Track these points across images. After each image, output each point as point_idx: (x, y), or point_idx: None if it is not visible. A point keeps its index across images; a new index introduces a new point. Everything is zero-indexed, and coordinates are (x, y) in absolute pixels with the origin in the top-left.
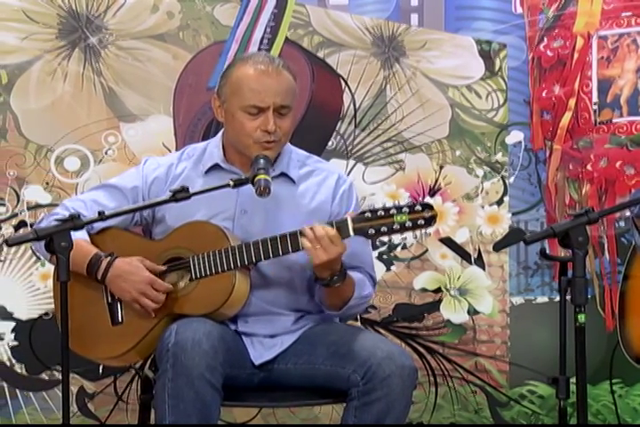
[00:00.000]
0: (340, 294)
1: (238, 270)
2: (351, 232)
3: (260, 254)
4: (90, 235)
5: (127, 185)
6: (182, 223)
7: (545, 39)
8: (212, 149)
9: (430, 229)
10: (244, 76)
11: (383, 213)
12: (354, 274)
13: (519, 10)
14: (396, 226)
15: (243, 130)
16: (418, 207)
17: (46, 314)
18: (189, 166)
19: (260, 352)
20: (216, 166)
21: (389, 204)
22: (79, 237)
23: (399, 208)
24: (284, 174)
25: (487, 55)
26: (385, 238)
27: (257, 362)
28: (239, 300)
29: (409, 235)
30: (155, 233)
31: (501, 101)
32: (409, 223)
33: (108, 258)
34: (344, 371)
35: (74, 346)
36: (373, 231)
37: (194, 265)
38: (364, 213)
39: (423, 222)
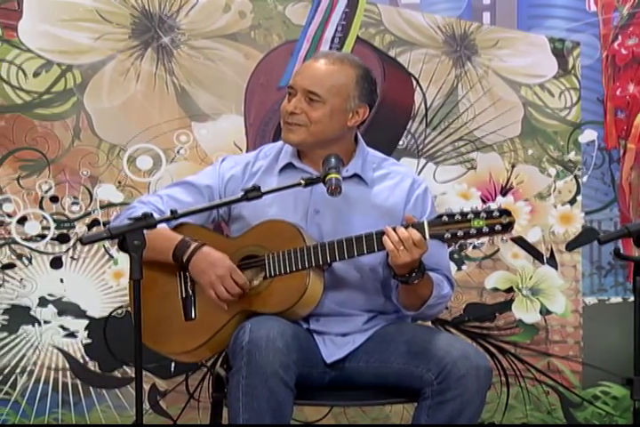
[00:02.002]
0: (418, 293)
1: (312, 270)
2: (427, 235)
3: (335, 255)
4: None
5: (203, 183)
6: (259, 222)
7: (619, 37)
8: (288, 147)
9: (506, 236)
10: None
11: (460, 217)
12: (432, 274)
13: (593, 8)
14: (472, 231)
15: (280, 111)
16: (496, 213)
17: (120, 307)
18: (265, 165)
19: (332, 351)
20: (289, 165)
21: (467, 208)
22: (163, 227)
23: (477, 213)
24: (357, 176)
25: (560, 53)
26: (460, 243)
27: (329, 361)
28: (312, 299)
29: (484, 240)
30: (231, 230)
31: (574, 100)
32: (486, 229)
33: (197, 242)
34: (417, 370)
35: (147, 340)
36: (449, 235)
37: (268, 263)
38: (440, 216)
39: (500, 228)
